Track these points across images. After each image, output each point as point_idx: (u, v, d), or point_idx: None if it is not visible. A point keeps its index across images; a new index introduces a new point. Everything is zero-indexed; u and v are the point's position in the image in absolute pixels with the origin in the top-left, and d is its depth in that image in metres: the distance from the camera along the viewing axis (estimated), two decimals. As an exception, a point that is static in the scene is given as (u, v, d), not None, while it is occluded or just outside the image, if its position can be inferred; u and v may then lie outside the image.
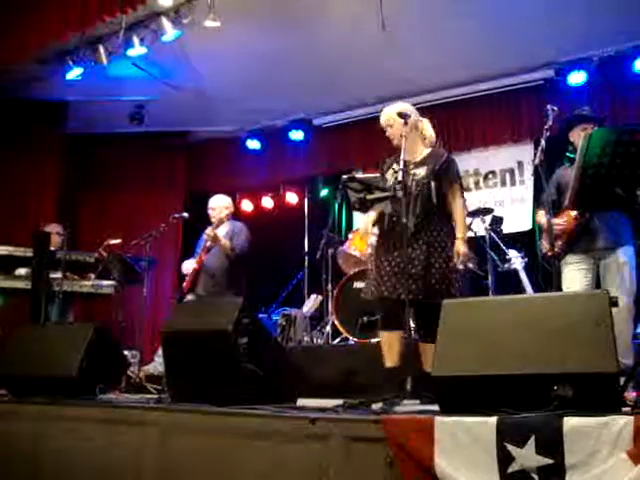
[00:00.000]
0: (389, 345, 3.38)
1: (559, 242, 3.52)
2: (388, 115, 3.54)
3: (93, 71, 6.12)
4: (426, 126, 3.61)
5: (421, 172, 3.43)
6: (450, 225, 3.44)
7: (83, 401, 3.21)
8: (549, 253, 3.63)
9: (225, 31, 5.54)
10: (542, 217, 3.66)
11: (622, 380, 2.20)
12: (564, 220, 3.52)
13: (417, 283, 3.25)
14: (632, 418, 1.80)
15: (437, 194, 3.36)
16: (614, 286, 3.30)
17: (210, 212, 5.14)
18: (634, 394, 2.34)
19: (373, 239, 3.73)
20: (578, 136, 3.53)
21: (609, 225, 3.46)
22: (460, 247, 3.33)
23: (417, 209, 3.35)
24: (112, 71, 6.30)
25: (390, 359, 3.37)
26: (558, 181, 3.68)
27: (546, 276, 3.84)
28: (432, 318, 2.86)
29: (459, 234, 3.37)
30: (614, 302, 2.15)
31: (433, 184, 3.37)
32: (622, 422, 1.79)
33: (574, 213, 3.48)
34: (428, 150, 3.55)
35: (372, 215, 3.53)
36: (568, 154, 3.71)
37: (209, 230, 4.89)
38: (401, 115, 3.41)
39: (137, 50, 5.80)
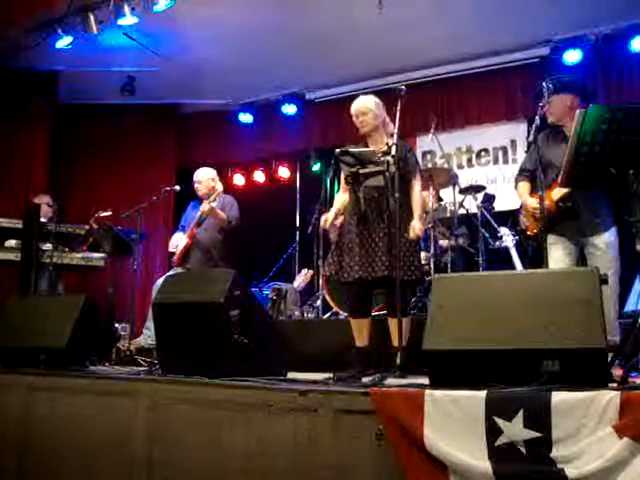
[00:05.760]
0: (358, 328, 3.66)
1: (539, 223, 3.51)
2: (364, 104, 3.74)
3: (83, 41, 6.01)
4: (390, 123, 3.79)
5: (377, 157, 3.59)
6: (406, 208, 3.59)
7: (73, 372, 3.21)
8: (528, 232, 3.65)
9: (219, 2, 5.46)
10: (524, 194, 3.66)
11: (609, 356, 2.22)
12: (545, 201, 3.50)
13: (381, 261, 3.48)
14: (618, 393, 1.82)
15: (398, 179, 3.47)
16: (601, 267, 3.31)
17: (196, 185, 5.10)
18: (620, 370, 2.37)
19: (338, 221, 3.87)
20: (557, 108, 3.52)
21: (592, 207, 3.44)
22: (416, 224, 3.54)
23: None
24: (103, 41, 6.19)
25: (361, 340, 3.64)
26: (540, 152, 3.65)
27: (531, 253, 3.85)
28: (393, 294, 3.29)
29: (416, 213, 3.59)
30: (604, 280, 2.18)
31: (395, 169, 3.45)
32: (608, 397, 1.82)
33: (556, 196, 3.45)
34: (390, 141, 3.68)
35: (337, 205, 3.79)
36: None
37: (205, 204, 4.85)
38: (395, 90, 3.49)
39: (128, 20, 5.70)
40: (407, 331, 3.40)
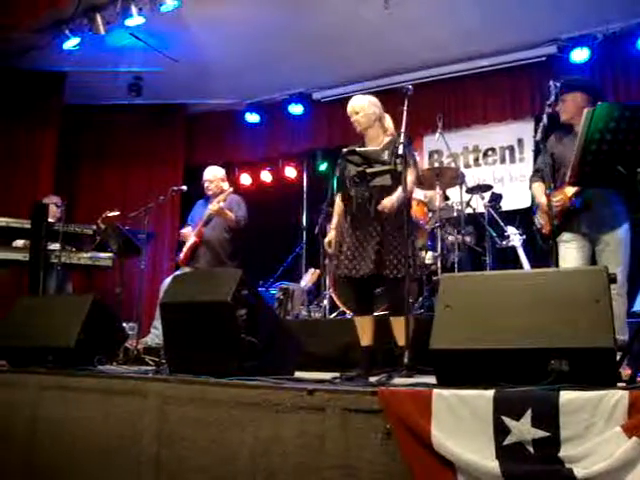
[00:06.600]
0: (362, 327, 3.66)
1: (555, 221, 3.51)
2: (354, 105, 3.75)
3: (91, 41, 6.05)
4: (388, 120, 3.83)
5: (383, 156, 3.61)
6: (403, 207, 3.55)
7: (81, 371, 3.22)
8: (544, 230, 3.64)
9: (225, 2, 5.46)
10: (541, 195, 3.65)
11: (618, 356, 2.21)
12: (559, 199, 3.51)
13: (370, 259, 3.48)
14: (627, 393, 1.81)
15: (394, 175, 3.48)
16: (611, 264, 3.30)
17: (207, 184, 5.11)
18: (629, 370, 2.36)
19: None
20: (569, 107, 3.53)
21: (605, 205, 3.45)
22: (387, 200, 3.46)
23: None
24: (110, 41, 6.23)
25: (365, 339, 3.64)
26: (552, 151, 3.66)
27: (541, 252, 3.84)
28: (394, 292, 3.35)
29: (396, 193, 3.48)
30: (612, 279, 2.16)
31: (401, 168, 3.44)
32: (617, 397, 1.80)
33: (570, 192, 3.46)
34: (388, 138, 3.74)
35: (332, 234, 3.78)
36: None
37: (214, 204, 4.86)
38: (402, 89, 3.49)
39: (135, 20, 5.73)
40: (410, 330, 3.38)
